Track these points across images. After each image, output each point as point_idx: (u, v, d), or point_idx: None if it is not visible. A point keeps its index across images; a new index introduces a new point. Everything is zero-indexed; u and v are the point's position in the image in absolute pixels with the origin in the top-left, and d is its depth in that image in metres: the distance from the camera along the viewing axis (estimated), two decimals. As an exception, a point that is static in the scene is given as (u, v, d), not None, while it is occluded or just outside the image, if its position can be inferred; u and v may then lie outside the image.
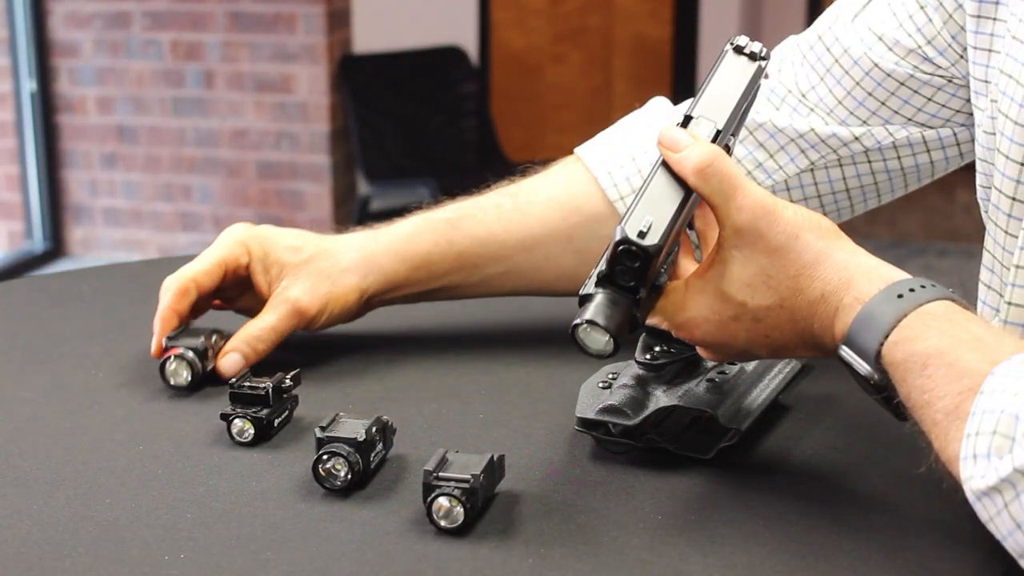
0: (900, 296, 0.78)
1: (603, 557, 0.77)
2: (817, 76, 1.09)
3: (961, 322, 0.77)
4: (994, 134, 0.96)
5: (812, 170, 1.10)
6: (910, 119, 1.07)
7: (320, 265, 1.08)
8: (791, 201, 1.10)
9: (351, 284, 1.08)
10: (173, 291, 1.05)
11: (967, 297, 0.81)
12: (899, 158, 1.09)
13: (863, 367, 0.79)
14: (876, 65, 1.06)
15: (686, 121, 0.86)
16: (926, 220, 5.03)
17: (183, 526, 0.81)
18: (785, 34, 1.15)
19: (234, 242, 1.09)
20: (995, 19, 0.97)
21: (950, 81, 1.04)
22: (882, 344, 0.77)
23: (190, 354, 1.02)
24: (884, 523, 0.81)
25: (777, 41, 1.14)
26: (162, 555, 0.78)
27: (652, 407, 0.88)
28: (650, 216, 0.81)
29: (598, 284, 0.82)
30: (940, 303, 0.78)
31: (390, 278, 1.10)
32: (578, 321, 0.81)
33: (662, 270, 0.84)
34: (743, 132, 1.10)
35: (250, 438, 0.92)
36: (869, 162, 1.09)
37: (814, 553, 0.77)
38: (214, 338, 1.04)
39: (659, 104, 1.16)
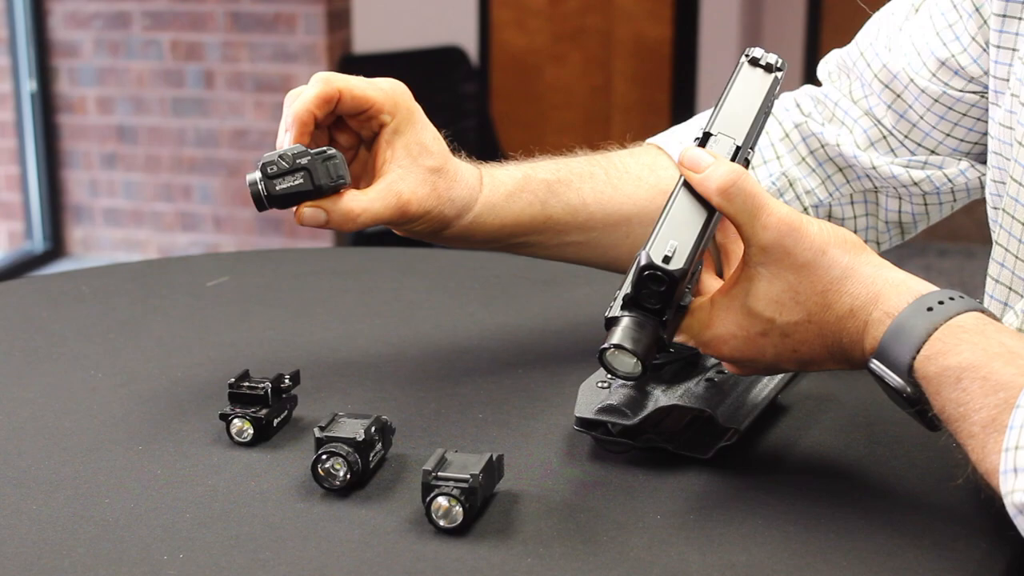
0: (930, 309, 0.78)
1: (602, 557, 0.77)
2: (861, 92, 1.11)
3: (992, 334, 0.77)
4: (1011, 128, 0.96)
5: (876, 191, 1.13)
6: (948, 134, 1.08)
7: (437, 181, 1.02)
8: (855, 217, 1.13)
9: (449, 215, 1.03)
10: (317, 92, 0.96)
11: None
12: (954, 199, 1.12)
13: (895, 380, 0.79)
14: (912, 81, 1.07)
15: (705, 138, 0.86)
16: (926, 220, 5.02)
17: (182, 526, 0.81)
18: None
19: (394, 98, 1.00)
20: (1021, 19, 0.97)
21: (982, 96, 1.05)
22: (914, 358, 0.77)
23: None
24: (883, 522, 0.81)
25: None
26: (161, 555, 0.78)
27: (651, 407, 0.89)
28: (674, 240, 0.81)
29: (624, 307, 0.82)
30: (970, 315, 0.78)
31: (477, 228, 1.06)
32: (606, 345, 0.82)
33: (687, 289, 0.84)
34: (808, 146, 1.13)
35: (249, 438, 0.92)
36: (925, 204, 1.12)
37: (813, 553, 0.77)
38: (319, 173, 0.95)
39: None
